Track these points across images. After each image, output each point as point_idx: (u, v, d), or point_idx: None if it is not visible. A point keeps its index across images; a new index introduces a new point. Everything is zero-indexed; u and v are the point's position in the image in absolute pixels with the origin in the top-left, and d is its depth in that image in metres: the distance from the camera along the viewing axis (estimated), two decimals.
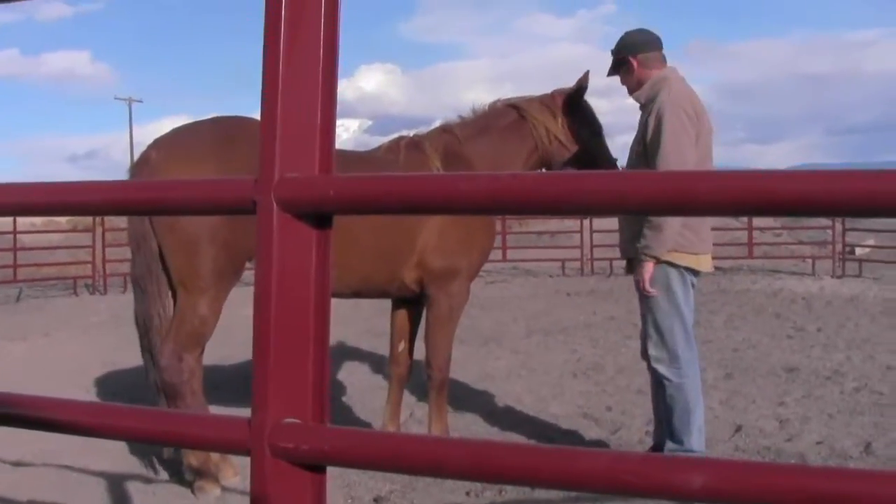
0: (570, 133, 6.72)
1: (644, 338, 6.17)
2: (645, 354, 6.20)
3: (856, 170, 1.29)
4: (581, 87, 6.74)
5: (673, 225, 5.74)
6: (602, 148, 6.84)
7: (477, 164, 6.49)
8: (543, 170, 6.80)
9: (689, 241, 5.89)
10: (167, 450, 6.24)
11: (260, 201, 1.61)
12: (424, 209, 1.67)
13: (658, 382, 6.10)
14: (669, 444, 6.04)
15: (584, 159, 6.67)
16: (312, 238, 1.63)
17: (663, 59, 6.16)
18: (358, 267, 6.03)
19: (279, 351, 1.60)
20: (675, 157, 5.69)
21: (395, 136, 6.83)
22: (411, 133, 6.74)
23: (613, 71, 6.29)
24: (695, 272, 6.02)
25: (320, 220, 1.63)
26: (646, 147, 5.89)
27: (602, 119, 6.96)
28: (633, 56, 6.10)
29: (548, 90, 6.85)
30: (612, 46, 6.29)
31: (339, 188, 1.59)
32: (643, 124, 5.97)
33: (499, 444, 1.65)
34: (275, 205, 1.59)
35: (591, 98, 6.91)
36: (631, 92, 6.21)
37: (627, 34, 6.28)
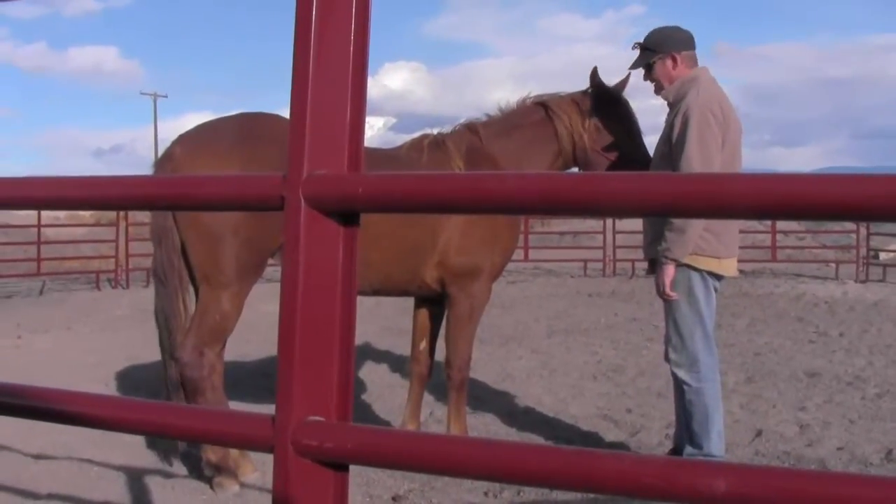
0: (600, 132, 6.54)
1: (667, 341, 6.15)
2: (668, 357, 6.18)
3: (882, 174, 1.28)
4: (616, 87, 6.62)
5: (696, 228, 5.69)
6: (634, 148, 6.60)
7: (502, 162, 6.45)
8: (576, 169, 6.70)
9: (709, 245, 5.82)
10: (182, 444, 6.26)
11: (288, 198, 1.61)
12: (452, 208, 1.67)
13: (678, 386, 6.08)
14: (689, 449, 6.02)
15: (614, 159, 6.53)
16: (340, 235, 1.63)
17: (696, 60, 6.13)
18: (380, 265, 6.03)
19: (304, 349, 1.61)
20: (700, 160, 5.62)
21: (419, 133, 6.80)
22: (435, 131, 6.72)
23: (641, 64, 6.18)
24: (717, 276, 5.97)
25: (348, 217, 1.63)
26: (671, 148, 5.85)
27: None
28: (677, 52, 6.01)
29: (575, 90, 6.74)
30: (643, 39, 6.17)
31: (367, 186, 1.59)
32: (669, 124, 5.91)
33: (519, 445, 1.65)
34: (303, 202, 1.59)
35: None
36: (658, 89, 6.12)
37: (666, 29, 6.19)
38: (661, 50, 6.06)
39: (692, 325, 5.88)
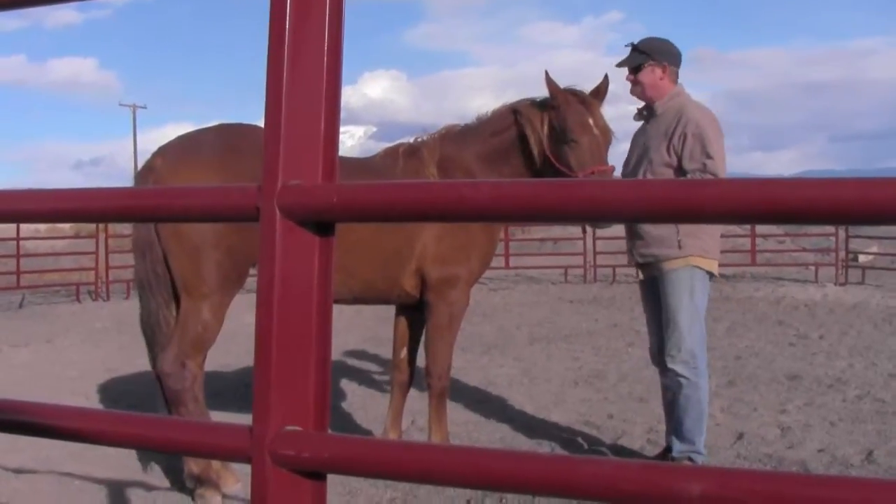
0: (553, 135, 6.29)
1: (659, 342, 6.23)
2: (657, 359, 6.27)
3: (860, 178, 1.29)
4: (563, 89, 6.35)
5: (706, 229, 6.09)
6: (569, 157, 6.23)
7: (475, 169, 6.39)
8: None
9: (710, 247, 6.15)
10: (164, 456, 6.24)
11: (263, 208, 1.61)
12: (427, 217, 1.67)
13: (674, 384, 6.14)
14: (679, 446, 6.09)
15: (546, 166, 6.30)
16: (315, 245, 1.63)
17: (678, 77, 6.34)
18: (360, 272, 6.03)
19: (281, 358, 1.61)
20: (724, 171, 5.95)
21: (396, 142, 6.79)
22: (412, 139, 6.70)
23: (630, 64, 6.29)
24: (712, 276, 6.26)
25: (323, 227, 1.63)
26: (679, 158, 6.05)
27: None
28: (668, 64, 6.23)
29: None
30: (637, 42, 6.31)
31: (342, 196, 1.59)
32: (666, 135, 6.09)
33: (498, 452, 1.66)
34: (278, 212, 1.59)
35: None
36: (635, 90, 6.32)
37: (662, 40, 6.34)
38: (654, 57, 6.23)
39: (692, 321, 6.08)
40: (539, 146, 6.30)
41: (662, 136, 6.10)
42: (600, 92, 6.41)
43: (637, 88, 6.30)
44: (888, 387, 9.01)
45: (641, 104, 6.37)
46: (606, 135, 6.34)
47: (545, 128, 6.28)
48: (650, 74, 6.22)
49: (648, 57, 6.21)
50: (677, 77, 6.30)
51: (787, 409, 8.15)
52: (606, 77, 6.42)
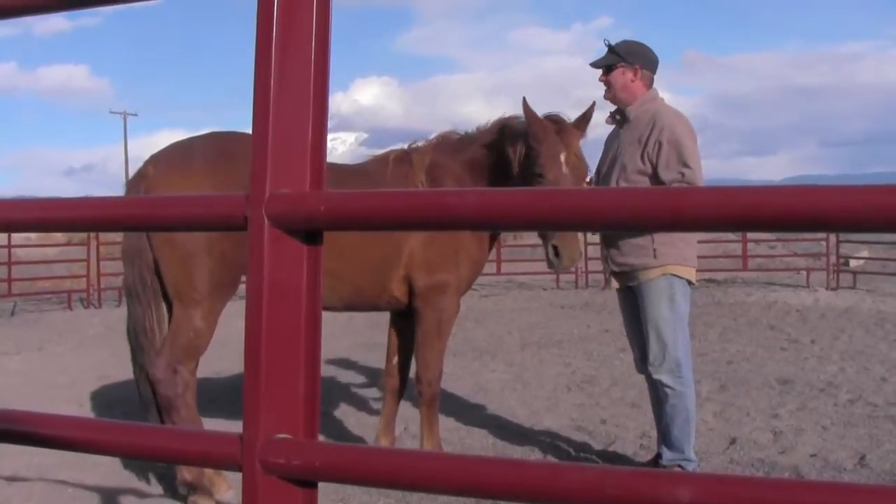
0: (527, 160, 6.19)
1: (641, 350, 6.21)
2: (641, 367, 6.25)
3: (848, 185, 1.30)
4: (542, 118, 6.23)
5: (683, 237, 6.02)
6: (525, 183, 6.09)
7: (466, 178, 6.39)
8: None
9: (687, 255, 6.10)
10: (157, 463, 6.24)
11: (251, 217, 1.62)
12: (415, 225, 1.68)
13: (659, 394, 6.14)
14: (668, 455, 6.08)
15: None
16: (303, 254, 1.63)
17: (652, 82, 6.30)
18: (349, 277, 6.02)
19: (270, 367, 1.61)
20: (701, 179, 5.94)
21: (388, 149, 6.79)
22: (405, 146, 6.70)
23: (602, 64, 6.25)
24: (691, 283, 6.19)
25: (311, 235, 1.64)
26: (652, 163, 6.00)
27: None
28: (640, 66, 6.20)
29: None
30: (615, 44, 6.25)
31: (329, 204, 1.60)
32: (641, 141, 6.02)
33: (487, 460, 1.67)
34: (266, 220, 1.59)
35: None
36: (608, 92, 6.29)
37: (639, 44, 6.31)
38: (627, 59, 6.19)
39: (675, 330, 6.04)
40: (515, 170, 6.24)
41: (636, 142, 6.05)
42: (584, 120, 6.30)
43: (609, 92, 6.28)
44: (880, 391, 9.03)
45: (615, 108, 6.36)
46: (578, 171, 6.21)
47: (519, 154, 6.21)
48: (621, 76, 6.19)
49: (621, 58, 6.18)
50: (651, 82, 6.27)
51: (779, 413, 8.16)
52: (593, 105, 6.33)
